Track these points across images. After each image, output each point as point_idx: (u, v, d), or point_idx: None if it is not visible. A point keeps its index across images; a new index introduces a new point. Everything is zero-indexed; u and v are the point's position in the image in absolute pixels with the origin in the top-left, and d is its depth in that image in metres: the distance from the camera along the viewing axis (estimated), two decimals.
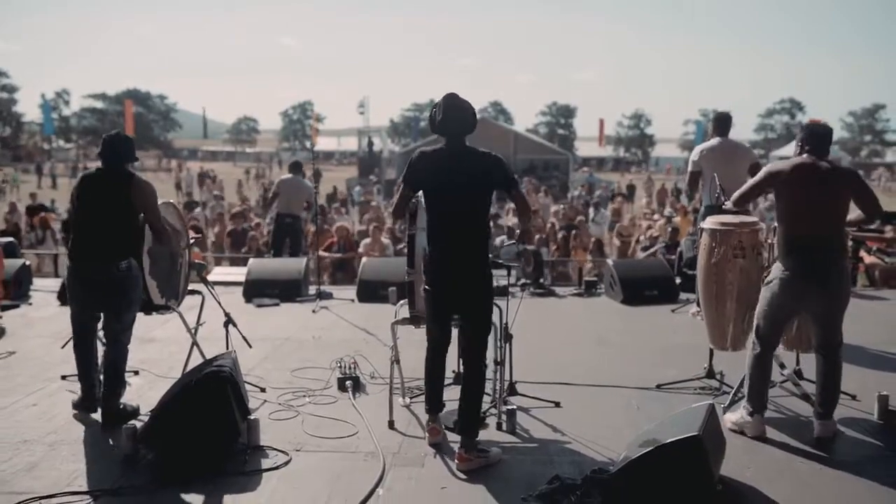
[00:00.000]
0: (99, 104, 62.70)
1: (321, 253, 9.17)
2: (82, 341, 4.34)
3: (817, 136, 3.94)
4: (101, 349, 4.45)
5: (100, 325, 4.38)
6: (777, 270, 3.91)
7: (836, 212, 3.87)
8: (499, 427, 4.12)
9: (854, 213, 4.02)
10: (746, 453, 3.81)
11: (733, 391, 4.43)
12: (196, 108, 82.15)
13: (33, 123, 52.30)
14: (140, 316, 4.48)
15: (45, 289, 8.06)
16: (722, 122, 6.50)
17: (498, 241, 9.88)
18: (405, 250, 4.28)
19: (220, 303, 4.87)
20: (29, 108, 75.30)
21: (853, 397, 4.51)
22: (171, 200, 5.07)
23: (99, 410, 4.26)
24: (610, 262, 8.38)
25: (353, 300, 7.63)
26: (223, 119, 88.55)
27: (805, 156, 3.91)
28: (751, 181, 4.09)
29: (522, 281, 7.95)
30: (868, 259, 9.17)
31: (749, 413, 4.00)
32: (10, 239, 9.38)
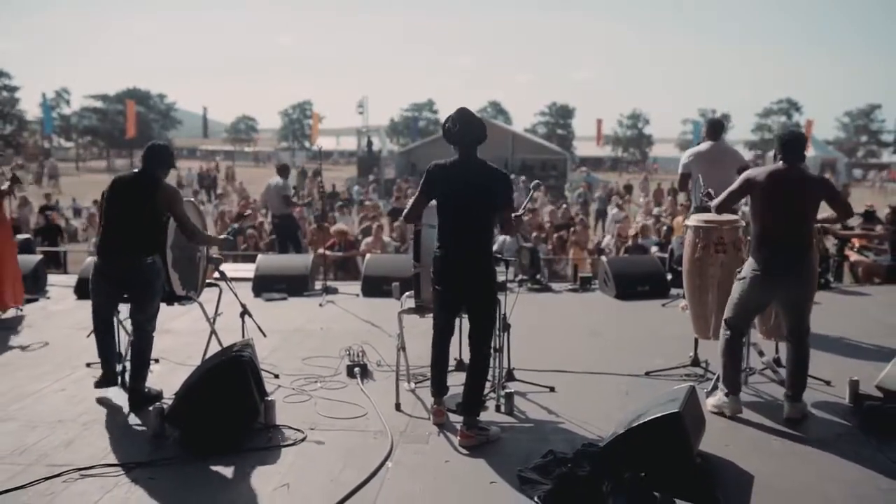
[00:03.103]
0: (99, 104, 62.84)
1: (327, 252, 9.48)
2: (104, 332, 4.64)
3: (789, 144, 4.27)
4: (124, 338, 4.79)
5: (126, 316, 4.70)
6: (749, 267, 4.26)
7: (804, 214, 4.21)
8: (497, 409, 4.44)
9: (826, 212, 4.37)
10: (726, 432, 4.14)
11: (715, 377, 4.74)
12: (195, 107, 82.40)
13: (35, 123, 52.44)
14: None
15: (60, 283, 8.39)
16: (713, 127, 6.82)
17: (500, 239, 10.19)
18: (406, 247, 4.60)
19: (236, 295, 5.18)
20: (30, 108, 75.39)
21: (828, 383, 4.84)
22: (192, 199, 5.38)
23: (120, 388, 4.61)
24: (604, 258, 8.71)
25: (357, 295, 7.96)
26: (222, 118, 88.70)
27: (780, 163, 4.25)
28: (730, 188, 4.41)
29: (520, 277, 8.27)
30: (853, 257, 9.52)
31: (725, 394, 4.34)
32: (27, 236, 9.71)
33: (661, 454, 3.46)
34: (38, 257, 8.48)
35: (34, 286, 7.83)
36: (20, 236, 8.95)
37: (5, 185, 6.71)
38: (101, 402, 4.60)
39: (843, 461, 3.77)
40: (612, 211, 17.64)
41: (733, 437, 4.07)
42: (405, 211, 4.29)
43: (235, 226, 5.57)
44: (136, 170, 4.65)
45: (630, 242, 10.88)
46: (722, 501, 3.31)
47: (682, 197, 17.41)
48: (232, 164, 40.49)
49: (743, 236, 4.82)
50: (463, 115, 3.98)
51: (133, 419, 4.35)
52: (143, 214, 4.45)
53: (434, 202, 4.09)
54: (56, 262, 11.20)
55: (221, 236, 5.23)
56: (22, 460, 3.75)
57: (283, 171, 10.58)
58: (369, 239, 11.29)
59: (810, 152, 40.65)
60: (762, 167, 4.39)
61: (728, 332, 4.35)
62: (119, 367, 4.74)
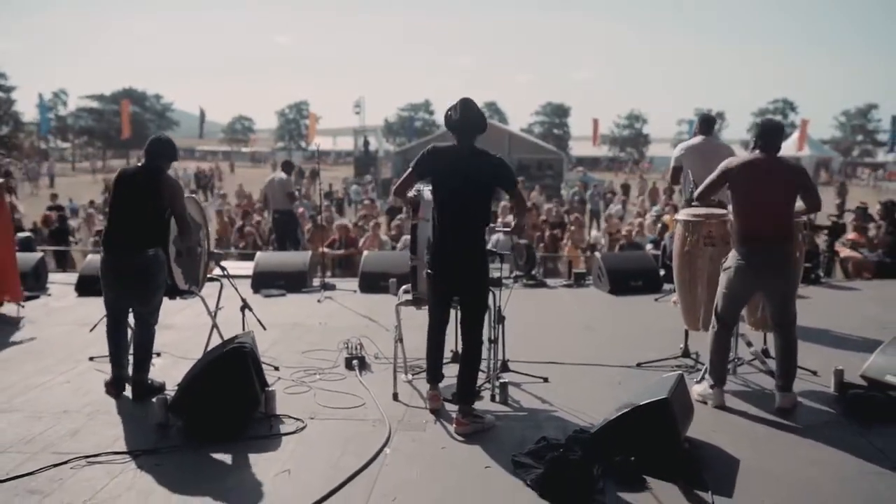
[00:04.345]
0: (95, 104, 62.84)
1: (326, 250, 9.60)
2: (116, 327, 4.71)
3: (766, 133, 4.33)
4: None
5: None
6: (732, 258, 4.36)
7: (783, 204, 4.28)
8: (492, 398, 4.55)
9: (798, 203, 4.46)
10: (714, 420, 4.26)
11: (704, 368, 4.86)
12: (191, 108, 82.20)
13: (32, 123, 52.41)
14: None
15: (61, 281, 8.50)
16: (705, 123, 6.92)
17: (494, 237, 10.29)
18: (398, 245, 4.69)
19: (237, 289, 5.29)
20: (28, 108, 75.41)
21: (814, 373, 4.96)
22: (194, 196, 5.49)
23: (128, 388, 4.68)
24: (598, 254, 8.84)
25: (355, 291, 8.08)
26: (219, 118, 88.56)
27: (757, 152, 4.33)
28: (709, 178, 4.50)
29: (515, 273, 8.39)
30: (843, 252, 9.66)
31: (711, 385, 4.45)
32: (28, 234, 9.81)
33: (650, 438, 3.58)
34: (38, 255, 8.57)
35: (35, 284, 7.93)
36: (21, 234, 9.04)
37: (2, 181, 6.82)
38: (106, 393, 4.70)
39: (827, 446, 3.89)
40: (614, 207, 17.91)
41: (720, 424, 4.19)
42: (395, 185, 4.39)
43: (218, 252, 5.58)
44: (140, 164, 4.76)
45: (623, 241, 11.00)
46: (709, 484, 3.42)
47: (676, 196, 17.68)
48: (224, 163, 40.44)
49: (730, 230, 4.93)
50: (466, 103, 4.10)
51: (137, 410, 4.45)
52: (147, 208, 4.55)
53: (432, 197, 4.20)
54: (64, 263, 11.30)
55: (200, 247, 5.30)
56: (28, 449, 3.85)
57: (287, 167, 10.83)
58: (368, 235, 11.40)
59: (805, 151, 40.89)
60: (740, 156, 4.45)
61: (717, 325, 4.45)
62: None
